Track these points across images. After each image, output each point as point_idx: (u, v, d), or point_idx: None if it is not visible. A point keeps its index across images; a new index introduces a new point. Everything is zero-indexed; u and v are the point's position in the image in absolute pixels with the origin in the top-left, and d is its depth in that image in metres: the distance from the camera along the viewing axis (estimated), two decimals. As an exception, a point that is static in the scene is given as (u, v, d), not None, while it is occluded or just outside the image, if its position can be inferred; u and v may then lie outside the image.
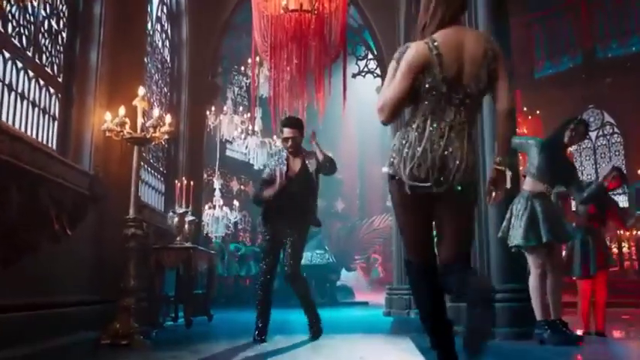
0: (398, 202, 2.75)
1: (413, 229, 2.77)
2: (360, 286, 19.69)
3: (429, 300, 2.78)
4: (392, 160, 2.71)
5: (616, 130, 18.75)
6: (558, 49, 19.33)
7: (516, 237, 4.96)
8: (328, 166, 5.45)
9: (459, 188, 2.61)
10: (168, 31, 9.53)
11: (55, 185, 4.24)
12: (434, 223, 2.79)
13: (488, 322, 2.74)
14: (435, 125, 2.64)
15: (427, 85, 2.64)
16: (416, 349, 4.58)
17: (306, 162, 5.48)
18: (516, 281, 5.43)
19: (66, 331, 4.63)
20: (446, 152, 2.59)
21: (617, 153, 18.62)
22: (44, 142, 4.89)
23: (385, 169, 2.77)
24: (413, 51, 2.71)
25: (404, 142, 2.68)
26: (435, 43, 2.67)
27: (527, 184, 5.10)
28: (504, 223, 5.12)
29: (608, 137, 18.93)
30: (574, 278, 5.89)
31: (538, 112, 17.01)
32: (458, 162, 2.59)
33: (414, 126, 2.68)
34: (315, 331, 5.50)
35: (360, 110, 18.40)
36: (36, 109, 4.77)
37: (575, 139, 5.31)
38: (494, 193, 2.79)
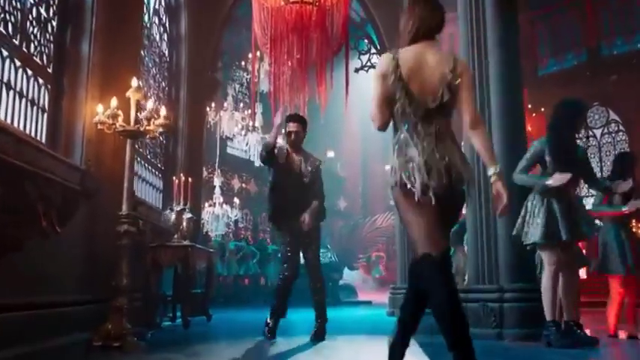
0: (407, 208, 2.84)
1: (426, 223, 2.80)
2: (363, 286, 19.56)
3: (447, 297, 2.71)
4: (398, 172, 2.81)
5: (621, 127, 18.52)
6: (562, 47, 19.11)
7: (534, 235, 4.73)
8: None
9: (463, 187, 2.83)
10: (167, 24, 9.36)
11: (43, 180, 4.02)
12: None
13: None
14: (419, 139, 2.81)
15: (392, 93, 2.84)
16: (422, 351, 4.39)
17: (310, 161, 5.58)
18: (525, 280, 5.26)
19: (57, 332, 4.45)
20: (445, 160, 2.76)
21: (622, 151, 18.38)
22: (33, 134, 4.69)
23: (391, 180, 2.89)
24: (379, 61, 3.03)
25: (407, 157, 2.81)
26: (397, 54, 2.89)
27: None
28: (519, 221, 4.89)
29: (613, 135, 18.69)
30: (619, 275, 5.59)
31: (543, 109, 16.80)
32: (457, 167, 2.79)
33: (404, 145, 2.84)
34: (319, 331, 5.41)
35: (362, 106, 18.01)
36: (23, 100, 4.56)
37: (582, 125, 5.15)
38: (503, 207, 2.87)
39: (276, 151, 5.49)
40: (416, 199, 2.74)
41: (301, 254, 5.59)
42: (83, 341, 4.46)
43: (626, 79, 16.72)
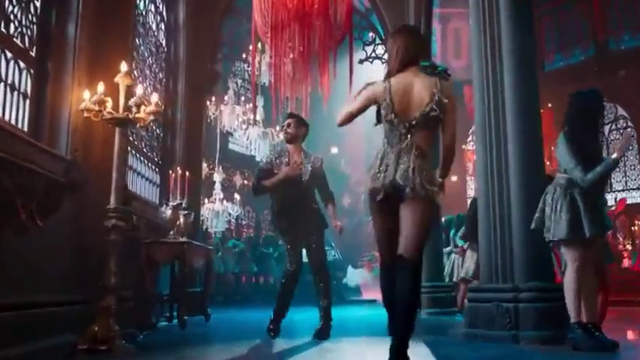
0: (372, 210, 3.46)
1: (381, 232, 3.49)
2: (369, 284, 19.30)
3: (387, 291, 3.39)
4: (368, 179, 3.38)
5: (629, 123, 18.24)
6: (569, 42, 18.93)
7: (560, 231, 4.36)
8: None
9: (411, 193, 3.20)
10: (164, 12, 9.05)
11: (22, 170, 3.74)
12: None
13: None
14: (389, 150, 3.32)
15: (383, 114, 3.33)
16: (432, 355, 4.09)
17: (309, 160, 5.52)
18: (542, 279, 4.91)
19: (42, 334, 4.16)
20: (397, 168, 3.24)
21: (630, 147, 18.10)
22: (14, 122, 4.36)
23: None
24: (375, 86, 3.42)
25: (371, 168, 3.37)
26: (390, 85, 3.34)
27: (563, 177, 4.51)
28: (537, 214, 4.55)
29: (621, 131, 18.39)
30: None
31: (550, 105, 16.54)
32: (409, 175, 3.20)
33: (379, 153, 3.39)
34: (324, 331, 5.25)
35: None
36: (2, 85, 4.23)
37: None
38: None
39: (278, 161, 5.49)
40: (375, 199, 3.32)
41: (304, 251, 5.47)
42: (68, 344, 4.16)
43: (634, 74, 16.67)
